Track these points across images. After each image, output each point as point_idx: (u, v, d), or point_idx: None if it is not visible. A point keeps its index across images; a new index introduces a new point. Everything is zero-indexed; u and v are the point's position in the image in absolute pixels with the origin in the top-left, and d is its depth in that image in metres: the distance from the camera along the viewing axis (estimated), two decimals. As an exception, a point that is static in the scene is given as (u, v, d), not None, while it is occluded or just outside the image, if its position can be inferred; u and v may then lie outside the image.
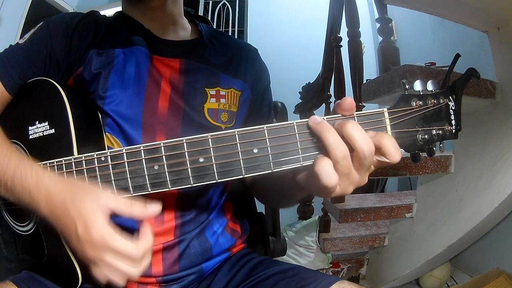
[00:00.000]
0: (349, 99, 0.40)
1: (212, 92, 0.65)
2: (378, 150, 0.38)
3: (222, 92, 0.66)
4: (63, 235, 0.46)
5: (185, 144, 0.41)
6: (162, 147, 0.42)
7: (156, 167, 0.42)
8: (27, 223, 0.57)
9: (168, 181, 0.42)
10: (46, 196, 0.45)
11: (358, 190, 2.03)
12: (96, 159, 0.46)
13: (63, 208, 0.44)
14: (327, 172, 0.37)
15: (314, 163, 0.38)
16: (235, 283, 0.62)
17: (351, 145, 0.38)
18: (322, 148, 0.39)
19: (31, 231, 0.56)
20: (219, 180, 0.41)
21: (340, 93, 1.57)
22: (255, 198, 0.82)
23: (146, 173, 0.43)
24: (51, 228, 0.52)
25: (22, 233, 0.58)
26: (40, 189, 0.45)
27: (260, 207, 0.85)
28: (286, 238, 1.18)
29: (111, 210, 0.43)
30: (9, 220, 0.61)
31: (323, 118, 0.40)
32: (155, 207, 0.43)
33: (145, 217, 0.44)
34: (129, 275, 0.42)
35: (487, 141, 1.27)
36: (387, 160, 0.39)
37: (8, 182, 0.48)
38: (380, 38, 1.79)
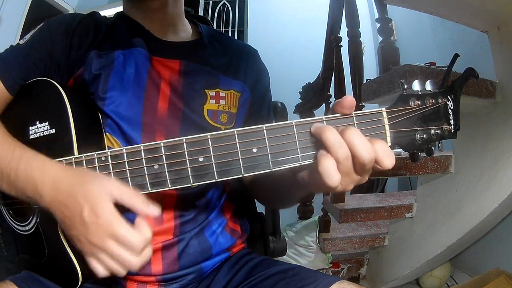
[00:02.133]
0: (349, 97, 0.40)
1: (212, 93, 0.65)
2: None
3: (222, 94, 0.66)
4: (64, 224, 0.45)
5: (184, 143, 0.41)
6: (162, 147, 0.42)
7: (156, 167, 0.42)
8: (27, 222, 0.57)
9: (168, 181, 0.42)
10: (52, 183, 0.44)
11: (358, 190, 2.04)
12: (96, 158, 0.46)
13: (69, 193, 0.43)
14: (330, 171, 0.38)
15: (317, 162, 0.38)
16: (235, 283, 0.62)
17: (351, 151, 0.38)
18: (321, 148, 0.39)
19: (32, 230, 0.56)
20: (218, 180, 0.41)
21: (340, 93, 1.58)
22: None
23: (146, 172, 0.43)
24: (51, 227, 0.52)
25: (22, 232, 0.58)
26: (46, 176, 0.45)
27: (260, 207, 0.85)
28: (286, 238, 1.18)
29: (115, 198, 0.42)
30: (10, 220, 0.61)
31: (323, 118, 0.41)
32: (156, 210, 0.43)
33: (144, 213, 0.43)
34: (130, 265, 0.42)
35: (487, 141, 1.27)
36: (378, 167, 0.39)
37: (12, 172, 0.47)
38: (380, 38, 1.79)
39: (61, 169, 0.46)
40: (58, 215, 0.45)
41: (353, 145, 0.37)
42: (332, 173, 0.37)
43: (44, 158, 0.48)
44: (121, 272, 0.42)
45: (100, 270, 0.43)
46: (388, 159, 0.38)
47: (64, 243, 0.52)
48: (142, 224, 0.43)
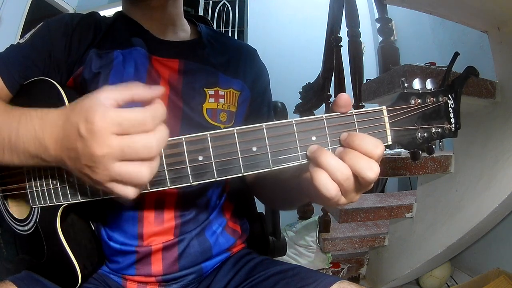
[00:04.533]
0: (344, 95, 0.40)
1: (211, 92, 0.65)
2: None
3: (221, 92, 0.66)
4: (74, 166, 0.39)
5: (184, 142, 0.41)
6: (162, 146, 0.42)
7: (155, 166, 0.42)
8: (27, 222, 0.57)
9: (168, 180, 0.42)
10: (51, 124, 0.40)
11: (358, 190, 2.03)
12: (95, 157, 0.46)
13: (65, 122, 0.39)
14: (325, 184, 0.38)
15: (311, 177, 0.39)
16: (235, 283, 0.62)
17: (355, 173, 0.38)
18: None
19: (31, 230, 0.56)
20: (218, 178, 0.41)
21: (340, 93, 1.57)
22: (255, 198, 0.82)
23: (145, 171, 0.43)
24: (51, 227, 0.52)
25: (22, 232, 0.58)
26: (46, 120, 0.41)
27: (260, 207, 0.85)
28: (286, 238, 1.18)
29: (111, 98, 0.37)
30: (9, 220, 0.61)
31: (323, 116, 0.40)
32: (159, 88, 0.39)
33: (150, 94, 0.39)
34: (141, 175, 0.36)
35: (487, 141, 1.27)
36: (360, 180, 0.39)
37: (13, 133, 0.44)
38: (380, 38, 1.79)
39: (60, 109, 0.41)
40: (66, 160, 0.39)
41: (358, 169, 0.38)
42: (327, 184, 0.38)
43: (44, 108, 0.43)
44: (146, 175, 0.36)
45: (129, 190, 0.37)
46: (369, 171, 0.38)
47: (64, 243, 0.51)
48: (154, 101, 0.38)
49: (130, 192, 0.37)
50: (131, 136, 0.35)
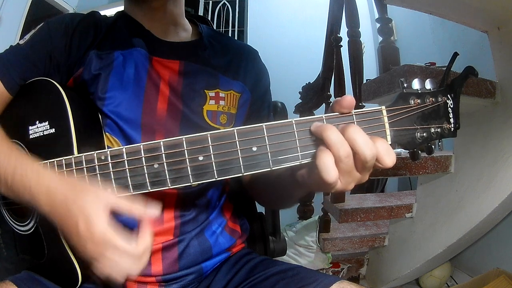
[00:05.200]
0: (349, 97, 0.40)
1: (212, 94, 0.65)
2: None
3: (222, 94, 0.66)
4: (63, 233, 0.46)
5: (184, 142, 0.41)
6: (162, 146, 0.42)
7: (155, 166, 0.42)
8: (27, 222, 0.57)
9: (168, 180, 0.42)
10: (47, 194, 0.45)
11: (358, 190, 2.04)
12: (96, 158, 0.46)
13: (64, 206, 0.44)
14: (327, 167, 0.37)
15: (316, 156, 0.38)
16: (235, 283, 0.62)
17: (353, 148, 0.37)
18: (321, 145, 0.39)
19: (31, 230, 0.56)
20: (218, 178, 0.41)
21: (340, 93, 1.58)
22: (254, 199, 0.82)
23: (146, 171, 0.43)
24: (51, 227, 0.52)
25: (22, 232, 0.58)
26: (40, 186, 0.46)
27: (260, 207, 0.85)
28: (286, 238, 1.18)
29: (112, 209, 0.43)
30: (9, 220, 0.61)
31: (323, 116, 0.40)
32: (155, 211, 0.44)
33: (144, 218, 0.44)
34: (129, 271, 0.43)
35: (487, 141, 1.27)
36: (379, 165, 0.39)
37: (9, 179, 0.48)
38: (380, 38, 1.79)
39: (55, 181, 0.46)
40: (58, 223, 0.45)
41: (355, 143, 0.37)
42: (330, 168, 0.37)
43: (38, 167, 0.48)
44: (120, 279, 0.44)
45: (101, 275, 0.43)
46: (389, 157, 0.38)
47: (64, 243, 0.51)
48: (144, 231, 0.44)
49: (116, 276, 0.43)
50: (119, 258, 0.42)
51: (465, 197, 1.33)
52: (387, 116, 0.41)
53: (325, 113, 0.41)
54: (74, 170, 0.48)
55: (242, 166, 0.41)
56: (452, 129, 0.41)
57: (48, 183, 0.46)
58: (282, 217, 0.92)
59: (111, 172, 0.45)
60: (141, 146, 0.43)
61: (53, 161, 0.49)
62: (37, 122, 0.55)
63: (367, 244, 1.69)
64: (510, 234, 1.44)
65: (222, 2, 3.65)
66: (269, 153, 0.40)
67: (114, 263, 0.42)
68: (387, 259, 1.70)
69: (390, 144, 0.40)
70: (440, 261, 1.56)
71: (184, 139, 0.41)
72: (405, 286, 1.71)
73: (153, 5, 0.65)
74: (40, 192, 0.45)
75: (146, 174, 0.43)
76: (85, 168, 0.47)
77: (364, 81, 1.46)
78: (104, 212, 0.42)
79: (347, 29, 1.53)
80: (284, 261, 0.66)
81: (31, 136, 0.56)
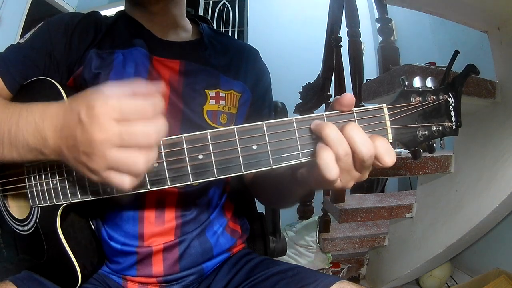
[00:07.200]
0: (349, 95, 0.40)
1: (212, 93, 0.65)
2: None
3: (222, 94, 0.66)
4: (72, 155, 0.39)
5: (184, 141, 0.41)
6: (161, 144, 0.42)
7: (155, 165, 0.42)
8: (27, 222, 0.57)
9: (168, 178, 0.42)
10: (51, 115, 0.40)
11: (358, 190, 2.04)
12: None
13: (66, 111, 0.39)
14: (328, 164, 0.37)
15: (316, 154, 0.38)
16: (235, 283, 0.62)
17: (351, 147, 0.37)
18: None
19: (31, 230, 0.56)
20: (218, 177, 0.41)
21: (340, 93, 1.55)
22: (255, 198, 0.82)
23: (145, 170, 0.43)
24: (51, 227, 0.52)
25: (22, 232, 0.58)
26: (46, 112, 0.41)
27: (260, 207, 0.85)
28: (286, 238, 1.18)
29: (115, 91, 0.36)
30: (9, 220, 0.60)
31: (324, 115, 0.40)
32: (159, 84, 0.38)
33: (150, 90, 0.37)
34: (138, 163, 0.36)
35: (487, 141, 1.27)
36: (378, 164, 0.38)
37: (13, 126, 0.43)
38: (380, 38, 1.79)
39: (61, 102, 0.42)
40: (64, 149, 0.39)
41: (353, 142, 0.37)
42: (331, 166, 0.37)
43: (46, 102, 0.43)
44: (143, 163, 0.36)
45: (125, 179, 0.36)
46: (388, 156, 0.38)
47: (64, 243, 0.51)
48: (152, 92, 0.37)
49: (126, 181, 0.36)
50: (131, 123, 0.35)
51: (465, 197, 1.33)
52: (388, 114, 0.40)
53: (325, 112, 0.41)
54: (73, 169, 0.47)
55: (242, 165, 0.40)
56: (454, 127, 0.41)
57: (53, 106, 0.41)
58: (282, 217, 0.92)
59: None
60: (141, 145, 0.43)
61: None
62: (37, 121, 0.55)
63: (367, 244, 1.69)
64: (510, 234, 1.44)
65: (222, 2, 3.66)
66: (269, 152, 0.40)
67: (121, 157, 0.35)
68: (387, 259, 1.70)
69: (391, 143, 0.40)
70: (440, 261, 1.56)
71: (183, 137, 0.41)
72: (405, 286, 1.71)
73: (153, 9, 0.65)
74: (45, 118, 0.41)
75: (146, 173, 0.43)
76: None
77: (364, 81, 1.46)
78: (107, 94, 0.36)
79: (347, 29, 1.53)
80: (284, 261, 0.65)
81: (30, 135, 0.55)
